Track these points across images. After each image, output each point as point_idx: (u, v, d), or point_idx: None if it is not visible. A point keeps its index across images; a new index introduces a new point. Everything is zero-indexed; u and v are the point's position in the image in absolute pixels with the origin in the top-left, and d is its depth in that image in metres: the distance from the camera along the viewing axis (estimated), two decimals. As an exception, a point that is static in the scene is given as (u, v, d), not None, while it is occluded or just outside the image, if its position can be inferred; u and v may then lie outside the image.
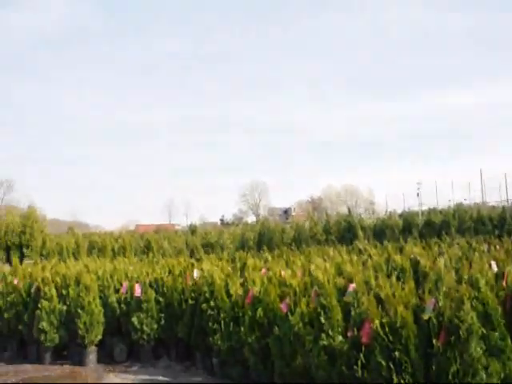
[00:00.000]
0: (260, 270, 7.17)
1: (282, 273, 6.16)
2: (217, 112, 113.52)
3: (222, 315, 6.14)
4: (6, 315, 8.11)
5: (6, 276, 8.85)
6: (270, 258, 9.06)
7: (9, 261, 28.61)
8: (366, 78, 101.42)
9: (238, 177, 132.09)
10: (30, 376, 6.98)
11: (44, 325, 7.32)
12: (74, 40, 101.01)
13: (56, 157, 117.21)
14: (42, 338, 7.36)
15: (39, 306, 7.45)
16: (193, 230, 40.86)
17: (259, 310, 5.27)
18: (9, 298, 8.23)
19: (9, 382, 6.77)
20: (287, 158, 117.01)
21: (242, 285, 6.36)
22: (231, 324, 5.97)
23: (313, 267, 5.85)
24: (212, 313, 6.24)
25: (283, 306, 4.96)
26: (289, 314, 4.91)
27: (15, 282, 8.37)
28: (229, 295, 6.26)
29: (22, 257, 28.04)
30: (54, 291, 7.56)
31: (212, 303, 6.27)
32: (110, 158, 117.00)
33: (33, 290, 7.90)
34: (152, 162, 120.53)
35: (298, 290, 5.08)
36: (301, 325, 4.78)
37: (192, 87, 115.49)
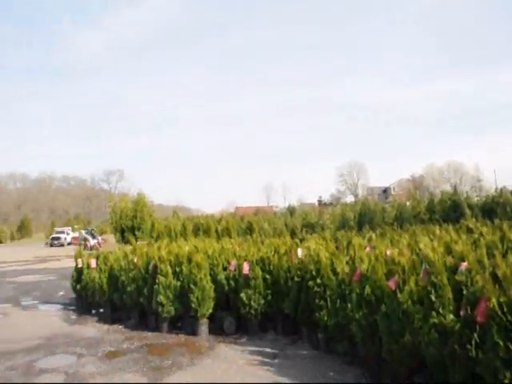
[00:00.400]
0: (364, 248, 7.15)
1: (387, 251, 6.09)
2: (315, 94, 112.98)
3: (328, 292, 6.27)
4: (128, 289, 8.98)
5: (128, 255, 9.73)
6: (373, 237, 8.97)
7: (123, 241, 31.15)
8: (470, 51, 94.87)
9: (335, 157, 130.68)
10: (151, 342, 7.67)
11: (161, 298, 7.97)
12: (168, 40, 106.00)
13: (159, 146, 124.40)
14: (160, 309, 8.02)
15: (157, 281, 8.12)
16: (291, 211, 41.29)
17: (367, 287, 5.28)
18: (131, 274, 9.09)
19: (134, 344, 7.52)
20: (385, 137, 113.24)
21: (348, 263, 6.41)
22: (338, 301, 6.07)
23: (422, 245, 5.72)
24: (318, 290, 6.38)
25: (391, 284, 4.94)
26: (397, 291, 4.88)
27: (135, 260, 9.19)
28: (335, 273, 6.35)
29: (134, 238, 30.35)
30: (169, 268, 8.18)
31: (318, 280, 6.40)
32: (208, 144, 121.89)
33: (150, 267, 8.60)
34: (250, 146, 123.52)
35: (406, 267, 5.02)
36: (410, 302, 4.75)
37: (288, 73, 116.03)
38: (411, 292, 4.78)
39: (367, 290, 5.31)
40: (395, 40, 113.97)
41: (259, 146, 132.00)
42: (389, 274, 5.26)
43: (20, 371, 6.38)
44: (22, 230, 73.32)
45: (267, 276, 7.64)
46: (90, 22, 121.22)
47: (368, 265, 5.55)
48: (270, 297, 7.52)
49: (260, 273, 7.57)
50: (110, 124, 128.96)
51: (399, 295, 4.82)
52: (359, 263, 5.80)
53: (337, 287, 6.22)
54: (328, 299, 6.25)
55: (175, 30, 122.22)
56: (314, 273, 6.54)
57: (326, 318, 6.21)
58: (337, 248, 7.59)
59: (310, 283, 6.54)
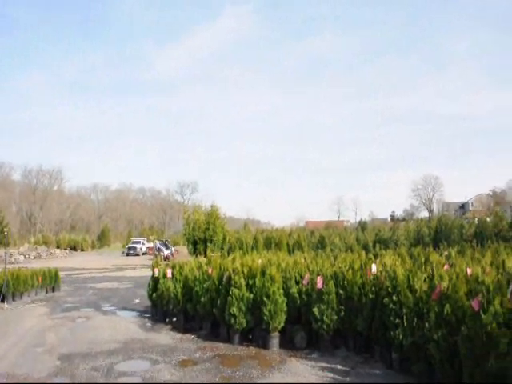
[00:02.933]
0: (443, 266, 6.86)
1: (468, 270, 5.81)
2: (382, 104, 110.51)
3: (404, 310, 6.06)
4: (202, 299, 9.20)
5: (202, 266, 9.99)
6: (452, 254, 8.57)
7: (195, 253, 32.00)
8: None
9: (409, 171, 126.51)
10: (223, 353, 7.77)
11: (234, 310, 8.08)
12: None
13: (231, 160, 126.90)
14: (232, 321, 8.13)
15: (230, 293, 8.25)
16: (363, 226, 40.51)
17: (447, 306, 5.06)
18: (205, 285, 9.32)
19: (207, 354, 7.66)
20: (462, 151, 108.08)
21: (426, 280, 6.17)
22: (414, 319, 5.86)
23: (509, 264, 5.40)
24: (394, 307, 6.19)
25: (474, 304, 4.69)
26: (481, 312, 4.63)
27: (209, 271, 9.41)
28: (412, 290, 6.13)
29: (205, 250, 31.08)
30: (242, 280, 8.29)
31: (394, 298, 6.22)
32: (279, 157, 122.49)
33: (224, 279, 8.76)
34: (320, 160, 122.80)
35: (491, 287, 4.75)
36: (494, 325, 4.48)
37: (361, 83, 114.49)
38: (496, 313, 4.52)
39: (447, 309, 5.08)
40: (476, 47, 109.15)
41: (330, 160, 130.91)
42: (471, 294, 5.02)
43: (102, 372, 6.71)
44: (102, 239, 77.38)
45: (341, 291, 7.52)
46: (171, 40, 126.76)
47: (448, 283, 5.32)
48: (342, 313, 7.39)
49: (333, 288, 7.47)
50: (185, 137, 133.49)
51: (483, 316, 4.57)
52: (438, 281, 5.57)
53: (414, 305, 5.99)
54: (404, 317, 6.04)
55: (246, 45, 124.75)
56: (389, 289, 6.36)
57: (401, 337, 6.01)
58: (413, 265, 7.33)
59: (386, 300, 6.36)
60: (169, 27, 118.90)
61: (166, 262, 18.52)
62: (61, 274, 19.06)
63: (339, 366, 6.70)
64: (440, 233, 21.69)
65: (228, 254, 21.14)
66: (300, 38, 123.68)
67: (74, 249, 63.92)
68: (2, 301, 14.07)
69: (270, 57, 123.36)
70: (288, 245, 27.47)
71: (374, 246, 22.63)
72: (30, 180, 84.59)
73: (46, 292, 17.38)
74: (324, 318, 7.35)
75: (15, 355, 7.98)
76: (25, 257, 44.22)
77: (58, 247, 60.12)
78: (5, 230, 31.34)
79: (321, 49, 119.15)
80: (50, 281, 17.72)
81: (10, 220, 66.21)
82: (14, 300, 14.88)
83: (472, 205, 79.04)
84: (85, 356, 7.67)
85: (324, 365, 6.81)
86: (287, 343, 7.90)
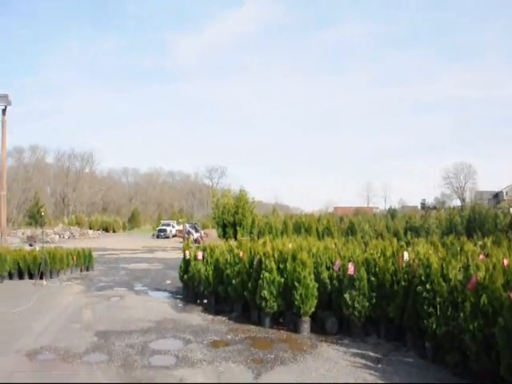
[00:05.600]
0: (478, 255, 6.75)
1: (505, 260, 5.69)
2: (420, 91, 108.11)
3: (438, 299, 6.01)
4: (233, 282, 9.33)
5: (233, 249, 10.10)
6: (488, 244, 8.40)
7: (225, 236, 32.30)
8: None
9: (441, 159, 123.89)
10: (254, 335, 7.89)
11: (265, 293, 8.17)
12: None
13: (259, 145, 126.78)
14: (263, 304, 8.23)
15: (261, 276, 8.34)
16: (392, 213, 40.02)
17: (483, 297, 4.99)
18: (236, 268, 9.44)
19: (238, 336, 7.80)
20: (496, 139, 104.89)
21: (461, 270, 6.09)
22: (449, 309, 5.80)
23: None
24: (427, 296, 6.14)
25: (513, 295, 4.62)
26: (519, 303, 4.56)
27: (240, 254, 9.51)
28: (446, 279, 6.07)
29: (235, 233, 31.34)
30: (273, 264, 8.35)
31: (428, 286, 6.16)
32: (308, 142, 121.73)
33: (255, 262, 8.85)
34: (349, 145, 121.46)
35: (530, 279, 4.66)
36: (533, 317, 4.41)
37: (391, 70, 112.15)
38: (535, 306, 4.44)
39: (483, 299, 5.01)
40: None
41: (359, 146, 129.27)
42: (508, 285, 4.93)
43: (136, 349, 6.92)
44: (132, 221, 78.90)
45: (372, 278, 7.50)
46: (194, 28, 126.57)
47: (485, 273, 5.23)
48: (374, 300, 7.37)
49: (365, 274, 7.45)
50: (213, 122, 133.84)
51: (521, 308, 4.50)
52: (474, 271, 5.48)
53: (448, 294, 5.94)
54: (438, 306, 5.99)
55: (270, 33, 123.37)
56: (423, 278, 6.30)
57: (434, 326, 5.96)
58: (447, 253, 7.23)
59: (419, 288, 6.31)
60: (191, 14, 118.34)
61: (197, 244, 18.79)
62: (94, 254, 19.57)
63: (371, 353, 6.71)
64: (473, 222, 21.25)
65: (258, 238, 21.25)
66: (324, 25, 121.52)
67: (105, 230, 65.48)
68: (41, 278, 14.61)
69: (293, 44, 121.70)
70: (317, 230, 27.38)
71: (405, 234, 22.34)
72: (62, 163, 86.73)
73: (81, 271, 17.92)
74: (355, 304, 7.36)
75: (55, 330, 8.30)
76: (59, 236, 45.60)
77: (90, 228, 61.69)
78: (41, 210, 32.28)
79: (344, 36, 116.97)
80: (84, 260, 18.26)
81: (45, 201, 68.23)
82: (51, 277, 15.42)
83: (506, 194, 76.92)
84: (120, 333, 7.92)
85: (355, 351, 6.83)
86: (318, 328, 7.95)
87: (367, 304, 7.36)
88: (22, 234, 41.89)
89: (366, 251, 8.28)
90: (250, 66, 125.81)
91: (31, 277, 15.21)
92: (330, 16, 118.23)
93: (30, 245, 29.33)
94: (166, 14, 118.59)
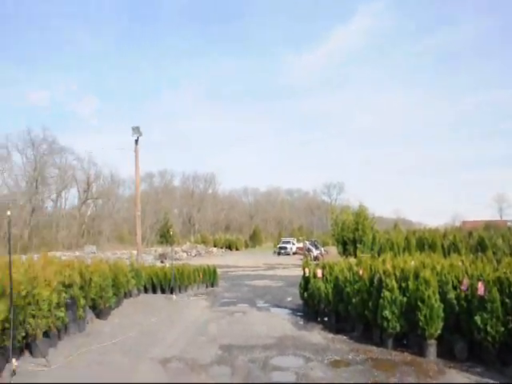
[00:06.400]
0: None
1: None
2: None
3: None
4: (353, 300, 9.16)
5: (352, 267, 9.95)
6: None
7: (345, 253, 31.80)
8: None
9: None
10: (376, 356, 7.62)
11: (386, 313, 7.89)
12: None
13: (377, 159, 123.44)
14: (385, 324, 7.95)
15: (382, 295, 8.08)
16: (532, 227, 36.04)
17: None
18: (355, 286, 9.26)
19: (360, 357, 7.60)
20: None
21: None
22: None
23: None
24: None
25: None
26: None
27: (360, 272, 9.32)
28: None
29: (355, 250, 30.70)
30: (394, 283, 8.06)
31: None
32: (427, 156, 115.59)
33: (376, 281, 8.60)
34: (477, 154, 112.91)
35: None
36: None
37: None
38: None
39: None
40: None
41: (485, 155, 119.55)
42: None
43: (258, 364, 7.10)
44: (254, 239, 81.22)
45: (506, 300, 6.84)
46: (307, 46, 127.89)
47: None
48: (511, 324, 6.70)
49: (498, 295, 6.83)
50: (327, 138, 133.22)
51: None
52: None
53: None
54: None
55: (381, 43, 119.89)
56: None
57: None
58: None
59: None
60: (304, 33, 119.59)
61: (316, 262, 18.77)
62: (218, 270, 20.52)
63: (510, 387, 6.08)
64: None
65: (378, 254, 20.59)
66: (433, 30, 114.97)
67: (228, 248, 68.24)
68: (171, 292, 15.75)
69: (405, 53, 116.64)
70: (443, 246, 25.72)
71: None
72: (187, 185, 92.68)
73: (206, 287, 18.90)
74: (488, 328, 6.75)
75: (184, 342, 8.86)
76: (187, 254, 48.56)
77: (214, 246, 64.75)
78: (170, 230, 34.77)
79: (454, 41, 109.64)
80: (210, 277, 19.24)
81: (174, 221, 73.34)
82: (180, 292, 16.53)
83: None
84: (242, 348, 8.19)
85: (490, 382, 6.23)
86: (445, 352, 7.42)
87: (502, 329, 6.71)
88: (155, 251, 45.33)
89: (497, 269, 7.59)
90: (362, 78, 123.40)
91: (163, 291, 16.42)
92: (439, 20, 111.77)
93: (162, 262, 31.71)
94: (281, 34, 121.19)
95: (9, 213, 9.21)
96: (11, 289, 6.59)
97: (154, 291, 16.58)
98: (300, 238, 61.97)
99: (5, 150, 55.18)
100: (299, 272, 12.49)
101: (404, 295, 8.01)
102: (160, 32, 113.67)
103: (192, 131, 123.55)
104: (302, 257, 42.31)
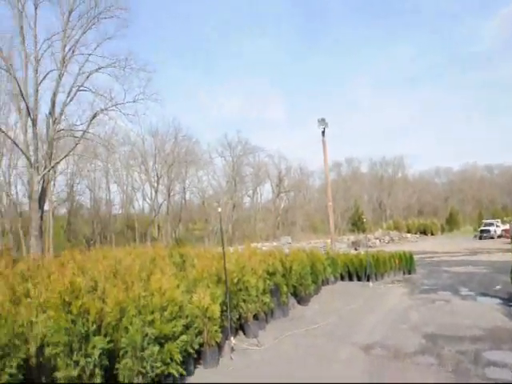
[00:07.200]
0: None
1: None
2: None
3: None
4: None
5: None
6: None
7: None
8: None
9: None
10: None
11: None
12: None
13: None
14: None
15: None
16: None
17: None
18: None
19: None
20: None
21: None
22: None
23: None
24: None
25: None
26: None
27: None
28: None
29: None
30: None
31: None
32: None
33: None
34: None
35: None
36: None
37: None
38: None
39: None
40: None
41: None
42: None
43: (468, 357, 6.68)
44: (450, 223, 75.60)
45: None
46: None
47: None
48: None
49: None
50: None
51: None
52: None
53: None
54: None
55: None
56: None
57: None
58: None
59: None
60: None
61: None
62: (414, 257, 19.74)
63: None
64: None
65: None
66: None
67: (423, 233, 64.94)
68: (367, 280, 15.79)
69: None
70: None
71: None
72: (376, 170, 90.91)
73: (403, 274, 18.36)
74: None
75: (384, 329, 8.82)
76: (379, 241, 47.74)
77: (408, 231, 62.30)
78: (362, 217, 34.67)
79: None
80: (406, 263, 18.63)
81: (364, 208, 72.86)
82: (376, 280, 16.40)
83: None
84: (448, 338, 7.79)
85: None
86: None
87: None
88: (347, 239, 45.68)
89: None
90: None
91: (359, 279, 16.51)
92: None
93: (355, 249, 31.82)
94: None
95: (219, 209, 10.47)
96: (226, 276, 7.45)
97: (350, 279, 16.74)
98: (505, 218, 55.44)
99: (207, 155, 63.00)
100: (507, 257, 11.26)
101: None
102: (332, 24, 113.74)
103: (375, 118, 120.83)
104: (508, 240, 37.95)
